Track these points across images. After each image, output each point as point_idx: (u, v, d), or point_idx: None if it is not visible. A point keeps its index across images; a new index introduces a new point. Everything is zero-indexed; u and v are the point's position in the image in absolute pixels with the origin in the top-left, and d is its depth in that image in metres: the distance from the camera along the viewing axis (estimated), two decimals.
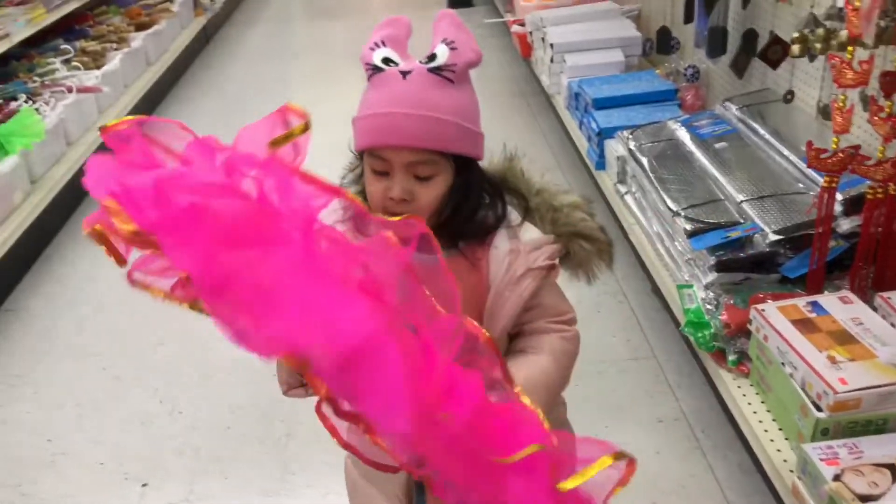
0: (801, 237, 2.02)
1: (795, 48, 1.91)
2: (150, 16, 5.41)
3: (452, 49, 1.14)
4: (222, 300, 0.85)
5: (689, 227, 2.20)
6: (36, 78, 4.00)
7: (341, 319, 0.85)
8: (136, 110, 4.52)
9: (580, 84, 3.51)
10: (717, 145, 2.53)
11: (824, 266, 1.91)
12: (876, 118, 1.75)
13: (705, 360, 2.06)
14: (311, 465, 2.21)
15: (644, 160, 2.61)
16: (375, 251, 0.91)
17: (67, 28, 4.69)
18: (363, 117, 1.16)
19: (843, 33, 1.78)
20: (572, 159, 3.83)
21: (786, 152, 2.34)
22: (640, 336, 2.64)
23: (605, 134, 3.09)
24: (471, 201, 1.21)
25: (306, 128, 0.94)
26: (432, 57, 1.14)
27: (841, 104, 1.77)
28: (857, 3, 1.65)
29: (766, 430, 1.78)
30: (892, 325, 1.72)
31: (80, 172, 0.87)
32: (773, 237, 2.04)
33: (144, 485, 2.19)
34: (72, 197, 3.59)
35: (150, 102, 4.97)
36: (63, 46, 4.43)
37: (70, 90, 3.90)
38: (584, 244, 1.28)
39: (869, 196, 1.79)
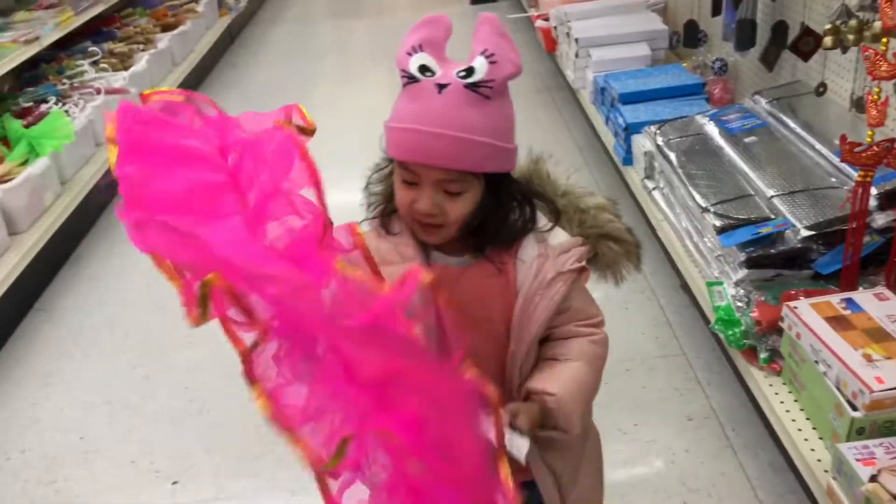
0: (834, 232, 1.99)
1: (828, 40, 1.88)
2: (176, 16, 5.45)
3: (492, 63, 1.08)
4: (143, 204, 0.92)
5: (718, 223, 2.17)
6: (65, 80, 4.05)
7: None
8: None
9: (606, 79, 3.47)
10: (747, 139, 2.50)
11: (859, 262, 1.88)
12: None
13: (735, 358, 2.04)
14: None
15: (672, 155, 2.58)
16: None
17: (95, 30, 4.74)
18: (395, 129, 1.12)
19: (877, 24, 1.76)
20: (598, 155, 3.79)
21: (818, 146, 2.31)
22: (668, 333, 2.62)
23: (632, 129, 3.05)
24: (500, 211, 1.19)
25: (310, 133, 0.98)
26: (470, 71, 1.09)
27: (875, 96, 1.74)
28: None
29: (799, 429, 1.76)
30: None
31: (108, 173, 0.95)
32: (805, 233, 2.01)
33: (175, 483, 2.21)
34: (101, 197, 3.63)
35: None
36: (91, 48, 4.48)
37: (98, 91, 3.94)
38: (613, 245, 1.27)
39: None
